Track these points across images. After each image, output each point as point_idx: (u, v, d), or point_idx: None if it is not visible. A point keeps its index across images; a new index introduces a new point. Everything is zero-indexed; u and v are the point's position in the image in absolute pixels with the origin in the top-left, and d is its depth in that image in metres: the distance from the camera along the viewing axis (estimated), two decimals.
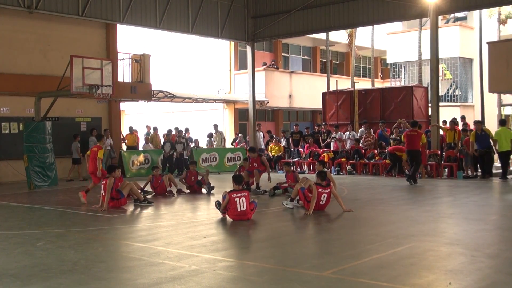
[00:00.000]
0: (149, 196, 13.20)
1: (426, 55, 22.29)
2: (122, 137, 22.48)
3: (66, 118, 19.99)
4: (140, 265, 6.73)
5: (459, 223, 9.69)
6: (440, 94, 20.81)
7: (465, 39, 30.70)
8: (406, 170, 18.23)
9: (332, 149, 21.43)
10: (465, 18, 32.62)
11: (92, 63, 15.95)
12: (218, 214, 10.42)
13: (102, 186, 11.87)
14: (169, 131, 21.67)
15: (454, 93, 30.62)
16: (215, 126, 24.11)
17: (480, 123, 17.58)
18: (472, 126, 18.67)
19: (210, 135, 23.58)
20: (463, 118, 20.10)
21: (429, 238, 8.07)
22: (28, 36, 19.03)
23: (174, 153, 20.48)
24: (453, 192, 14.10)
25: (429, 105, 21.13)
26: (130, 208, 11.97)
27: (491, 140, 17.01)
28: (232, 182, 10.19)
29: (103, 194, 11.76)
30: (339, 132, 21.66)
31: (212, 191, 14.65)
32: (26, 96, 18.21)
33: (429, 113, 21.01)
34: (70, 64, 15.45)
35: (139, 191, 12.90)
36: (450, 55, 30.02)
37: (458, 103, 30.00)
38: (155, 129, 22.97)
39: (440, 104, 20.28)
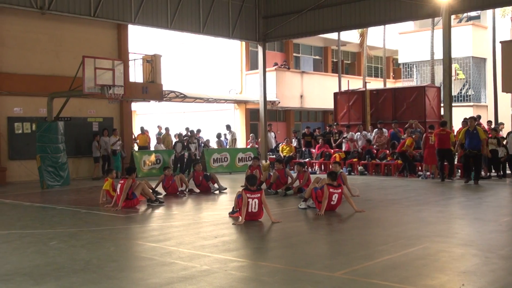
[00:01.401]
0: (160, 196, 13.24)
1: (439, 54, 22.10)
2: (133, 137, 22.57)
3: (78, 118, 20.09)
4: (151, 264, 6.75)
5: (471, 224, 9.62)
6: (453, 94, 20.61)
7: (478, 39, 30.48)
8: (420, 171, 18.15)
9: (343, 149, 21.35)
10: (478, 17, 32.39)
11: (104, 64, 16.03)
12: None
13: (119, 185, 11.93)
14: (180, 134, 21.76)
15: (467, 93, 30.40)
16: (228, 127, 24.12)
17: (474, 120, 16.65)
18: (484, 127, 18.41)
19: (219, 135, 23.58)
20: (478, 117, 19.81)
21: (441, 239, 8.01)
22: (40, 36, 19.15)
23: (185, 153, 20.51)
24: (466, 193, 13.98)
25: (442, 105, 20.96)
26: (143, 208, 12.02)
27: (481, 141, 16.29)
28: (246, 183, 10.14)
29: (118, 193, 11.81)
30: (350, 132, 21.55)
31: (225, 191, 14.67)
32: (39, 96, 18.33)
33: (442, 113, 20.84)
34: (82, 65, 15.55)
35: (150, 190, 12.94)
36: (463, 54, 29.82)
37: (471, 103, 29.79)
38: (167, 129, 23.06)
39: (453, 104, 20.08)
